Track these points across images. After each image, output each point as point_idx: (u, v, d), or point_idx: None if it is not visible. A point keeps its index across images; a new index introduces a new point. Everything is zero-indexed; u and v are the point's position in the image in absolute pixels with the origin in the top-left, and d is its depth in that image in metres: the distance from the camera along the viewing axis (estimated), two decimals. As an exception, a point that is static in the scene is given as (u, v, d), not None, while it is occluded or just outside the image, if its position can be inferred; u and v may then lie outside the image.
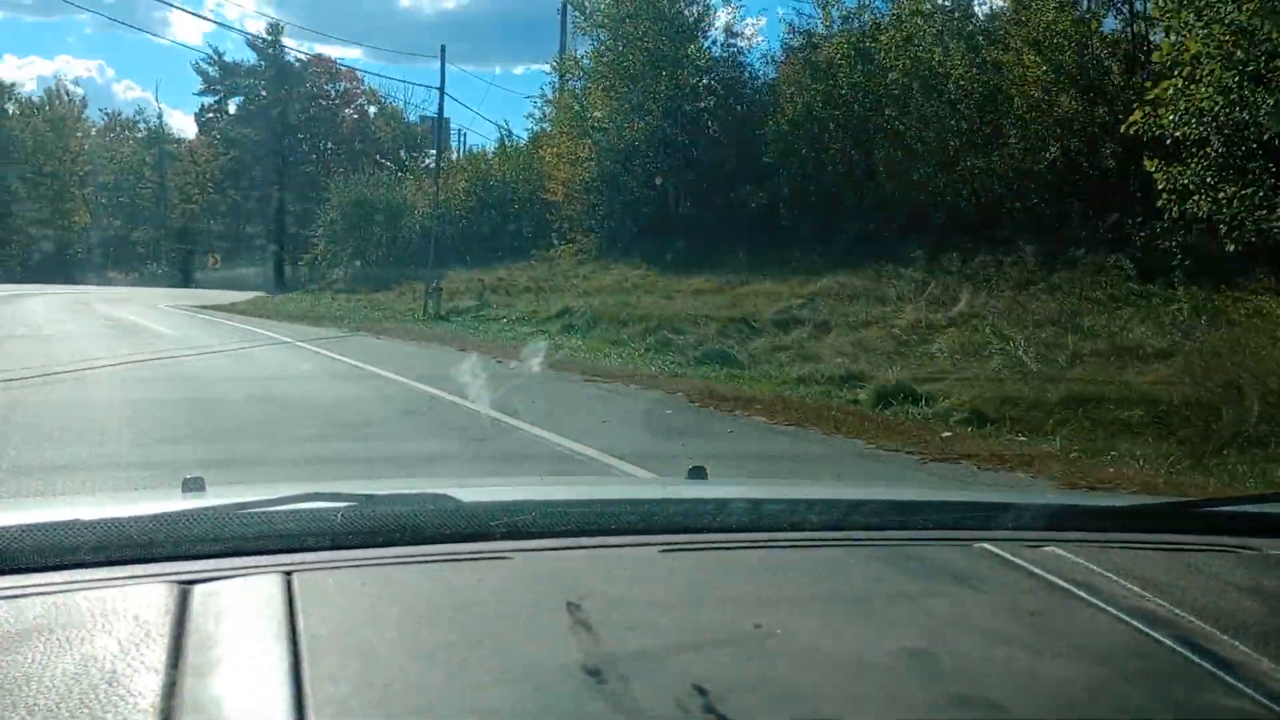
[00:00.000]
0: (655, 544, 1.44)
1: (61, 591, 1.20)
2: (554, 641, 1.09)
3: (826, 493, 2.06)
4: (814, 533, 1.57)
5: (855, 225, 23.30)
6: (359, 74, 66.65)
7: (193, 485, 1.72)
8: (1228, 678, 1.10)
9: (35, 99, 69.16)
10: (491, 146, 41.95)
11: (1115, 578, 1.36)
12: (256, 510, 1.44)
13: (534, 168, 35.54)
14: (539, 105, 37.95)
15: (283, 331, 19.87)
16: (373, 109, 66.64)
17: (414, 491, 1.61)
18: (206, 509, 1.47)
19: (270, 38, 62.97)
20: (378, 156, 47.38)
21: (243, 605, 1.16)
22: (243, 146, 62.48)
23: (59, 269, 57.02)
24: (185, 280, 54.91)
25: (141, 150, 71.87)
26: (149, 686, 0.97)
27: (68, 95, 71.74)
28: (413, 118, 61.60)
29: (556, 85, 34.94)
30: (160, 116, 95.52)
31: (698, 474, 2.09)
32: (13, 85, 68.45)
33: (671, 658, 1.07)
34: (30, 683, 0.98)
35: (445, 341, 17.93)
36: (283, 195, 61.35)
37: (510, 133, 54.71)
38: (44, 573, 1.25)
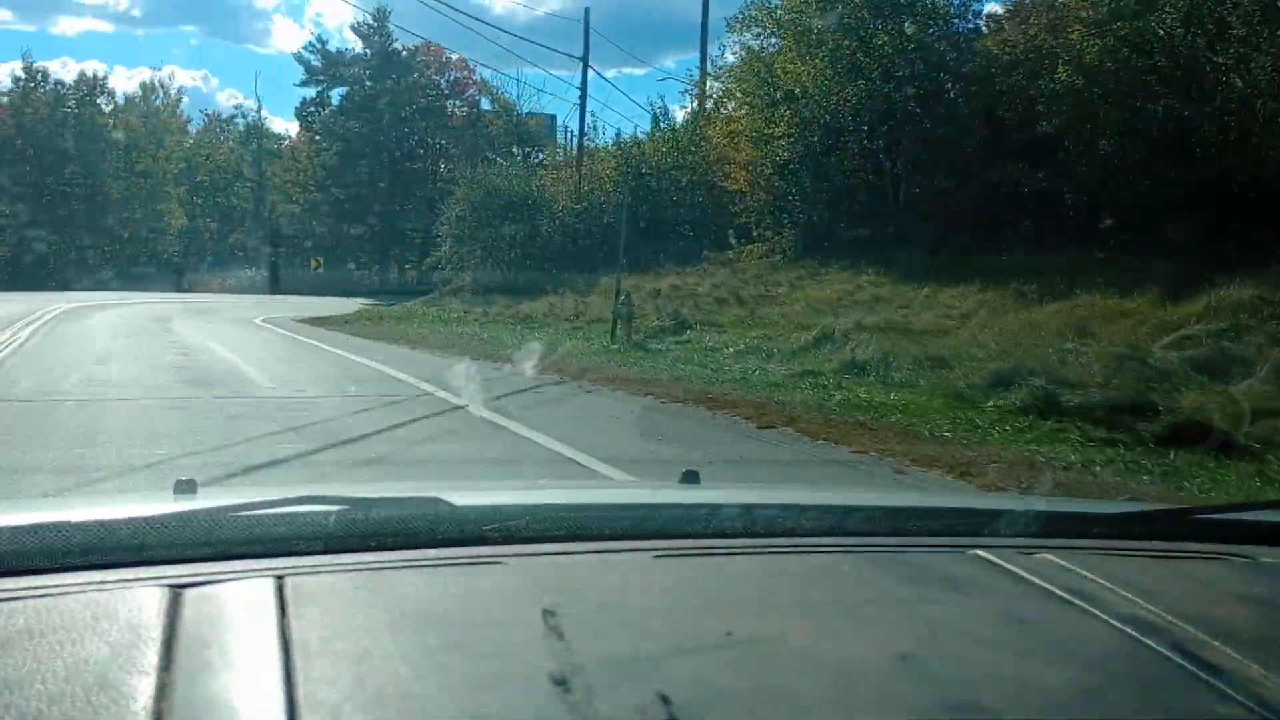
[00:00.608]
0: (648, 549, 1.43)
1: (52, 595, 1.19)
2: (545, 647, 1.09)
3: (820, 498, 1.94)
4: (807, 538, 1.55)
5: (1204, 215, 16.57)
6: (470, 65, 60.25)
7: (184, 488, 1.69)
8: (1220, 684, 1.10)
9: (131, 96, 65.66)
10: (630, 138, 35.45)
11: (1108, 584, 1.35)
12: (248, 513, 1.42)
13: (700, 151, 29.33)
14: (718, 70, 31.17)
15: (433, 370, 12.89)
16: (485, 101, 59.92)
17: (406, 495, 1.59)
18: (198, 511, 1.44)
19: (376, 23, 57.75)
20: (488, 153, 41.64)
21: (235, 609, 1.15)
22: (346, 141, 56.46)
23: (154, 274, 52.90)
24: (280, 285, 49.95)
25: (239, 150, 67.76)
26: (140, 690, 0.97)
27: (163, 89, 68.02)
28: (526, 108, 55.95)
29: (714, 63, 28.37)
30: (259, 110, 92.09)
31: (690, 478, 2.05)
32: (104, 79, 64.74)
33: (663, 663, 1.06)
34: (20, 686, 0.97)
35: (766, 414, 9.41)
36: (391, 190, 56.14)
37: (665, 110, 48.33)
38: (34, 575, 1.23)
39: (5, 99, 58.17)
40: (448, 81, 60.78)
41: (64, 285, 44.08)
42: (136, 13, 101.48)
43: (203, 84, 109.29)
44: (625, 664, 1.05)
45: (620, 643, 1.11)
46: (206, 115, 72.39)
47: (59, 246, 55.06)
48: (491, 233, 31.16)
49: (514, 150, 51.51)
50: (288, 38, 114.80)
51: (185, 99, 69.37)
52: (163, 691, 0.96)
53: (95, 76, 62.21)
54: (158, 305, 29.98)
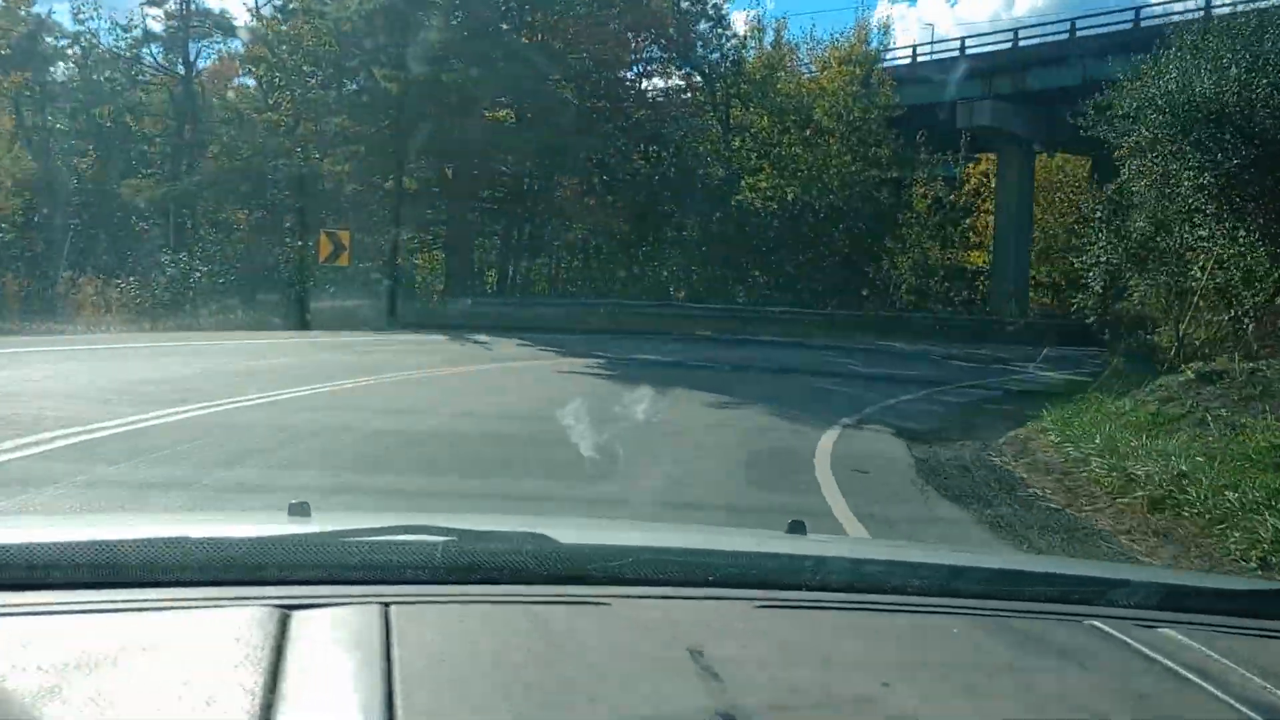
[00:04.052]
0: (752, 599, 1.42)
1: (165, 608, 1.22)
2: (647, 692, 1.08)
3: (930, 556, 1.92)
4: (915, 597, 1.49)
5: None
6: None
7: (298, 510, 1.71)
8: None
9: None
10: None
11: (1232, 664, 1.29)
12: (358, 540, 1.45)
13: None
14: None
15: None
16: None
17: (512, 530, 1.61)
18: (309, 535, 1.46)
19: None
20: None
21: (340, 634, 1.16)
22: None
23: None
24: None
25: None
26: (245, 709, 0.97)
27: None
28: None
29: None
30: None
31: (797, 528, 2.03)
32: None
33: (764, 716, 1.05)
34: (129, 697, 1.00)
35: None
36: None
37: None
38: (150, 588, 1.26)
39: None
40: None
41: None
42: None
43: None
44: (727, 716, 1.05)
45: (720, 694, 1.10)
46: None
47: None
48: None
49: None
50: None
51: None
52: (267, 712, 0.98)
53: None
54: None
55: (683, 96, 37.27)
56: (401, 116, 29.41)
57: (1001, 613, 1.47)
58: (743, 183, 36.46)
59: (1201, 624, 1.47)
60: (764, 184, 36.49)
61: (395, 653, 1.11)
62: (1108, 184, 15.57)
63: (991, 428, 11.79)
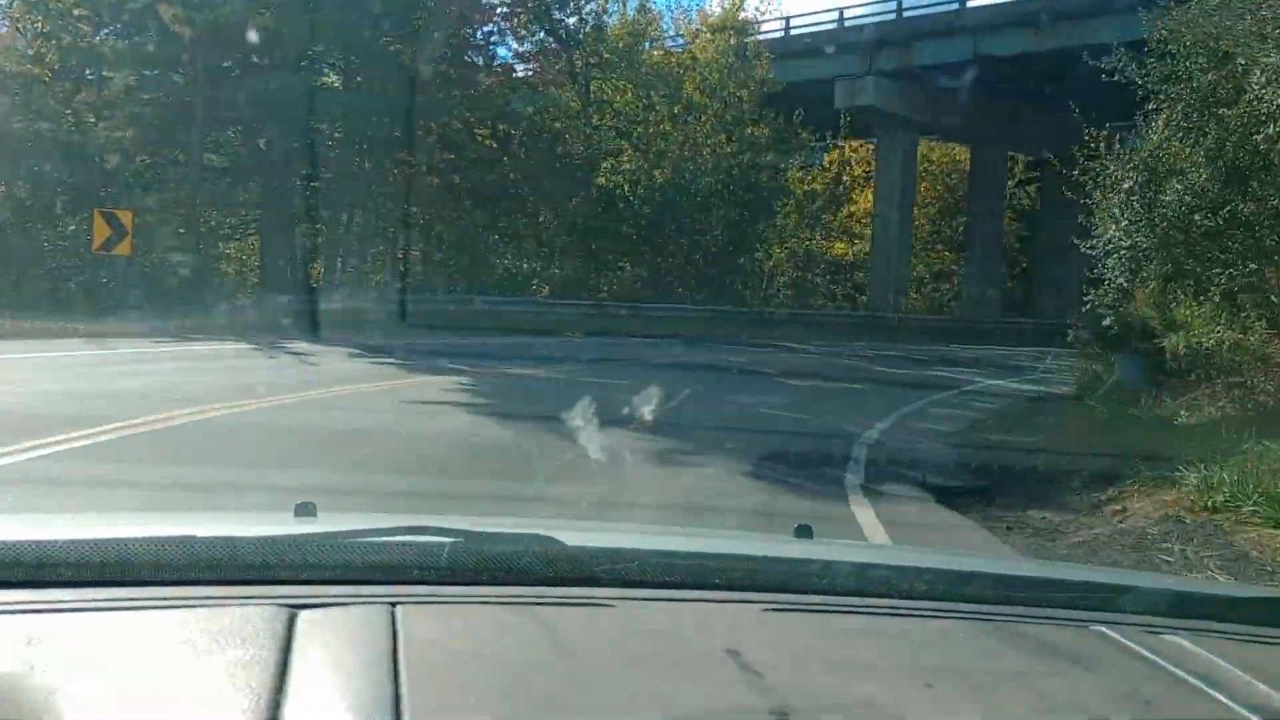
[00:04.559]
0: (759, 602, 1.42)
1: (173, 606, 1.22)
2: (654, 695, 1.08)
3: (936, 561, 1.91)
4: (923, 602, 1.50)
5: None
6: None
7: (304, 510, 1.72)
8: None
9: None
10: None
11: (1241, 673, 1.28)
12: (365, 540, 1.46)
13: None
14: None
15: None
16: None
17: (519, 531, 1.63)
18: (316, 535, 1.48)
19: None
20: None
21: (347, 633, 1.17)
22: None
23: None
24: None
25: None
26: (251, 708, 0.98)
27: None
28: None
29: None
30: None
31: (804, 532, 2.03)
32: None
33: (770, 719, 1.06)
34: (136, 695, 1.01)
35: None
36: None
37: None
38: (157, 586, 1.27)
39: None
40: None
41: None
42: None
43: None
44: (731, 717, 1.05)
45: (725, 696, 1.10)
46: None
47: None
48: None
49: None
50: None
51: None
52: (274, 711, 0.97)
53: None
54: None
55: (537, 65, 32.80)
56: (196, 70, 24.01)
57: (1009, 618, 1.46)
58: (605, 164, 32.41)
59: (1209, 631, 1.47)
60: (627, 165, 32.55)
61: (402, 653, 1.11)
62: (1130, 143, 12.07)
63: (1062, 482, 8.13)
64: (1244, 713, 1.17)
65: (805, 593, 1.49)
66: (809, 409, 12.54)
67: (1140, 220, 10.89)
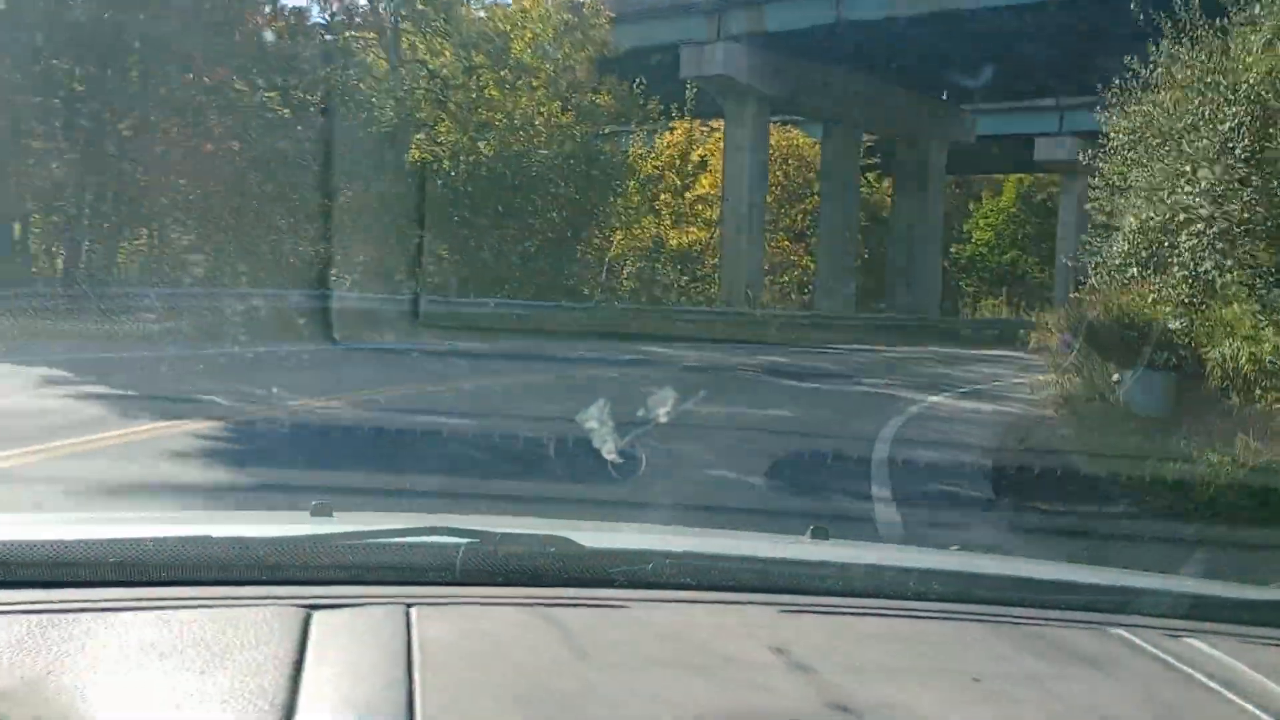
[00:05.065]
0: (774, 604, 1.43)
1: (188, 607, 1.22)
2: (668, 696, 1.07)
3: (952, 563, 1.92)
4: (936, 603, 1.50)
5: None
6: None
7: (320, 511, 1.71)
8: None
9: None
10: None
11: (1257, 674, 1.28)
12: (380, 540, 1.46)
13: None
14: None
15: None
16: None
17: (534, 532, 1.61)
18: (332, 535, 1.48)
19: None
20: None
21: (362, 633, 1.17)
22: None
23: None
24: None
25: None
26: (266, 708, 0.98)
27: None
28: None
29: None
30: None
31: (820, 534, 1.96)
32: None
33: None
34: (151, 695, 1.01)
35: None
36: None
37: None
38: (173, 587, 1.28)
39: None
40: None
41: None
42: None
43: None
44: (747, 718, 1.04)
45: (741, 697, 1.09)
46: None
47: None
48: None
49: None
50: None
51: None
52: (288, 711, 0.96)
53: None
54: None
55: (333, 13, 27.42)
56: None
57: (1025, 620, 1.45)
58: (419, 135, 27.44)
59: (1227, 634, 1.45)
60: (445, 136, 27.71)
61: (416, 653, 1.10)
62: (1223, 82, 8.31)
63: None
64: (1263, 716, 1.16)
65: (821, 594, 1.48)
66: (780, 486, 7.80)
67: (1239, 175, 7.35)
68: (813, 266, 38.97)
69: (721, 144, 32.23)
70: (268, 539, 1.43)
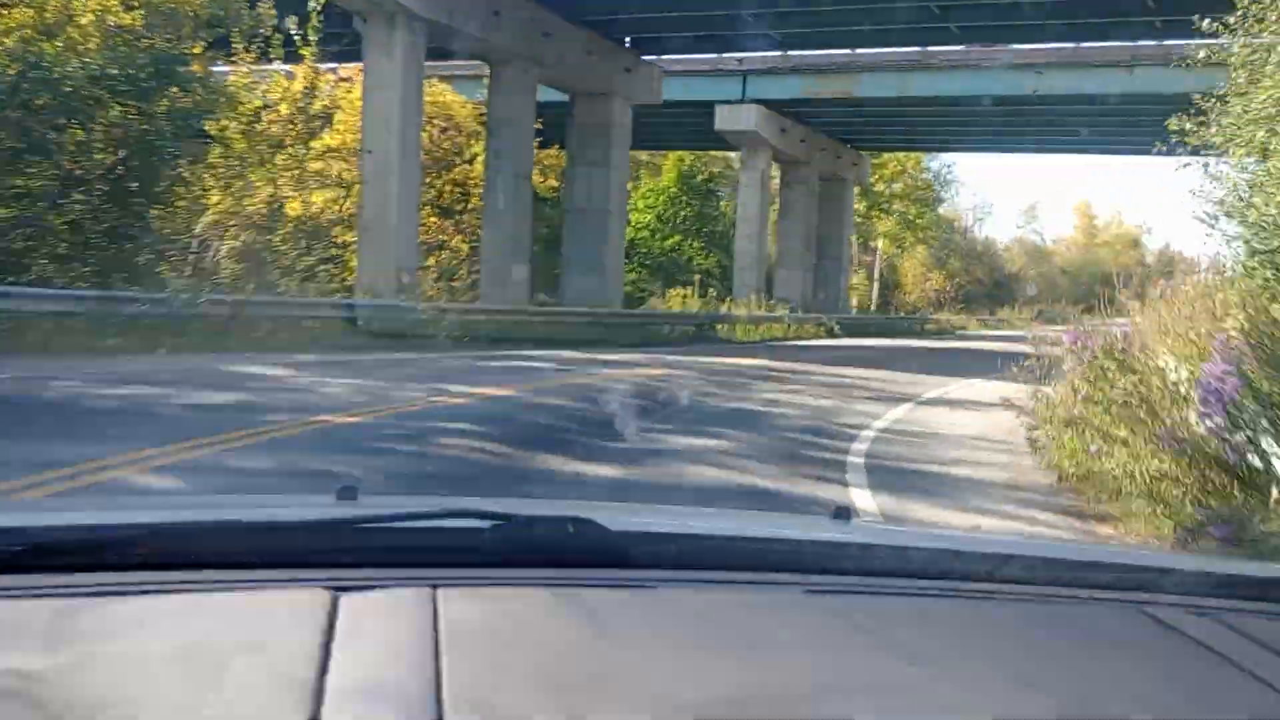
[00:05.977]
0: (800, 584, 1.42)
1: (214, 590, 1.22)
2: (694, 676, 1.08)
3: (976, 543, 1.92)
4: (963, 583, 1.48)
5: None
6: None
7: (346, 494, 1.72)
8: None
9: None
10: None
11: None
12: (405, 523, 1.45)
13: None
14: None
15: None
16: None
17: (559, 514, 1.56)
18: (358, 518, 1.47)
19: None
20: None
21: (388, 615, 1.17)
22: None
23: None
24: None
25: None
26: (294, 690, 0.98)
27: None
28: None
29: None
30: None
31: (842, 515, 1.93)
32: None
33: (814, 700, 1.06)
34: (178, 679, 1.00)
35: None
36: None
37: None
38: (198, 570, 1.26)
39: None
40: None
41: None
42: None
43: None
44: (776, 699, 1.05)
45: (767, 677, 1.10)
46: None
47: None
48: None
49: None
50: None
51: None
52: (316, 694, 0.97)
53: None
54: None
55: None
56: None
57: (1050, 599, 1.45)
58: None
59: (1256, 612, 1.44)
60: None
61: (443, 635, 1.11)
62: None
63: None
64: None
65: (848, 574, 1.48)
66: None
67: None
68: (465, 249, 32.13)
69: (354, 98, 24.49)
70: (294, 522, 1.45)
